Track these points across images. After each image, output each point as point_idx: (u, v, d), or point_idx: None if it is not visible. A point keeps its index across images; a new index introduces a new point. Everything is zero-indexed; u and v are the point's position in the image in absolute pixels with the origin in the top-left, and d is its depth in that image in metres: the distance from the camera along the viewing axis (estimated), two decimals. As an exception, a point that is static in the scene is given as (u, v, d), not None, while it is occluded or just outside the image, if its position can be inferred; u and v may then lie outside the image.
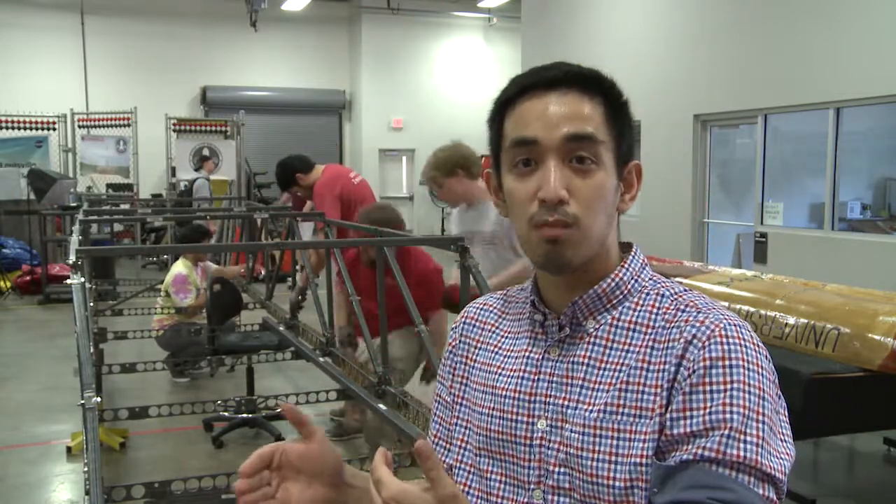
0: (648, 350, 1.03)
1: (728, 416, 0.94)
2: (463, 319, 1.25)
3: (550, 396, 1.07)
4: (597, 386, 1.04)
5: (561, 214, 1.02)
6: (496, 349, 1.17)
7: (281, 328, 5.08)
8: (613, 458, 1.00)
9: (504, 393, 1.11)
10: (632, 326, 1.06)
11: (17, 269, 11.02)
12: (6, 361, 7.34)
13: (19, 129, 13.68)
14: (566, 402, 1.06)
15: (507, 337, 1.17)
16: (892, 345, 3.46)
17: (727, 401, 0.94)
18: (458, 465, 1.17)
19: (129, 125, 14.17)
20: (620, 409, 1.01)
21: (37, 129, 13.85)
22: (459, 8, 17.73)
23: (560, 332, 1.10)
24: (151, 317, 6.79)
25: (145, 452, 5.03)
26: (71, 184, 11.87)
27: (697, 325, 1.01)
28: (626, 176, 1.09)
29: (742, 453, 0.92)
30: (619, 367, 1.04)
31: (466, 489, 1.15)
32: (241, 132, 13.80)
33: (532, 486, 1.07)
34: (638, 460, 0.99)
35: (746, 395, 0.95)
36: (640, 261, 1.12)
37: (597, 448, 1.01)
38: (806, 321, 3.83)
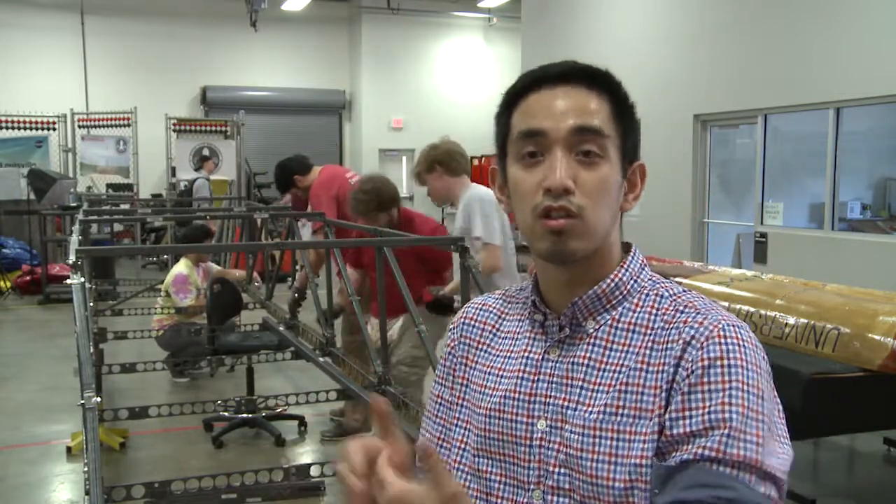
0: (647, 351, 1.03)
1: (728, 415, 0.94)
2: (462, 320, 1.24)
3: (550, 397, 1.07)
4: (596, 387, 1.04)
5: (566, 202, 1.03)
6: (497, 352, 1.17)
7: (281, 328, 5.09)
8: (613, 459, 1.00)
9: (504, 393, 1.11)
10: (631, 327, 1.06)
11: (17, 269, 11.02)
12: (6, 361, 7.34)
13: (19, 129, 13.69)
14: (566, 403, 1.06)
15: (506, 338, 1.17)
16: (892, 345, 3.46)
17: (726, 400, 0.95)
18: (457, 465, 1.17)
19: (129, 125, 14.18)
20: (620, 410, 1.01)
21: (37, 129, 13.86)
22: (459, 8, 17.73)
23: (560, 333, 1.10)
24: (151, 317, 6.79)
25: (145, 452, 5.04)
26: (71, 184, 11.87)
27: (696, 325, 1.01)
28: (630, 176, 1.10)
29: (742, 452, 0.92)
30: (618, 368, 1.04)
31: (465, 489, 1.14)
32: (241, 132, 13.80)
33: (532, 487, 1.07)
34: (638, 461, 0.99)
35: (745, 395, 0.95)
36: (640, 261, 1.13)
37: (596, 449, 1.02)
38: (806, 321, 3.83)
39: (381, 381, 3.63)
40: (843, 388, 3.56)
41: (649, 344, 1.04)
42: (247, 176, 13.99)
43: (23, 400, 6.13)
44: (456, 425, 1.19)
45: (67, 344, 6.70)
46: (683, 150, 9.64)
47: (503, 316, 1.20)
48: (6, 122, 13.50)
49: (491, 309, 1.22)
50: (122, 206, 9.44)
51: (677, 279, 4.35)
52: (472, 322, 1.23)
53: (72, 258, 3.59)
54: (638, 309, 1.08)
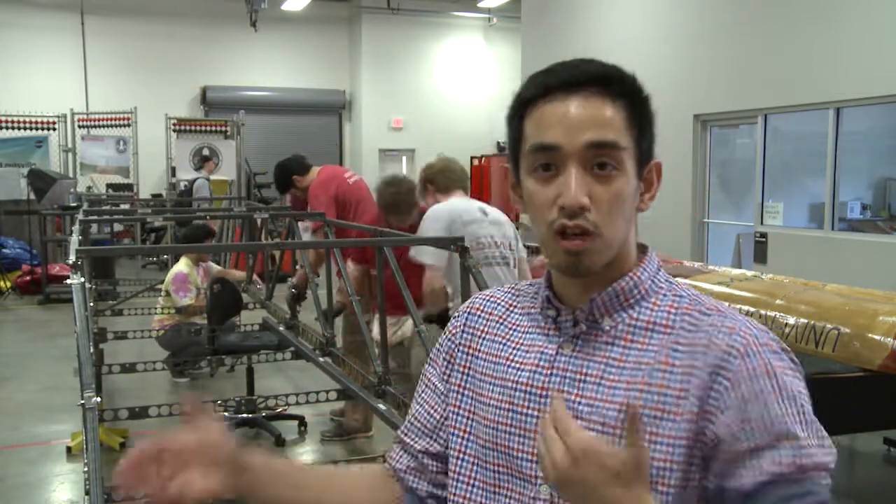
0: (671, 352, 1.03)
1: (791, 427, 0.96)
2: (468, 309, 1.24)
3: (563, 392, 1.07)
4: (615, 384, 1.04)
5: (583, 221, 1.01)
6: (505, 340, 1.16)
7: (281, 328, 5.08)
8: None
9: (515, 386, 1.11)
10: (650, 326, 1.06)
11: (17, 269, 11.02)
12: (6, 361, 7.34)
13: (19, 129, 13.69)
14: (579, 399, 1.05)
15: (515, 329, 1.16)
16: (892, 345, 3.45)
17: (785, 411, 0.96)
18: (461, 455, 1.16)
19: (129, 125, 14.17)
20: (642, 410, 1.01)
21: (37, 129, 13.86)
22: (459, 8, 17.73)
23: (574, 329, 1.09)
24: (151, 317, 6.79)
25: (145, 452, 5.03)
26: (71, 184, 11.87)
27: (727, 331, 1.01)
28: (647, 175, 1.09)
29: (813, 460, 0.96)
30: (637, 366, 1.04)
31: (471, 480, 1.14)
32: (241, 132, 13.80)
33: (539, 481, 1.06)
34: (662, 464, 0.99)
35: (795, 402, 0.97)
36: (656, 262, 1.13)
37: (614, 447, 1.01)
38: (806, 321, 3.83)
39: (381, 381, 3.63)
40: (843, 388, 3.56)
41: (672, 344, 1.03)
42: (247, 176, 13.98)
43: (23, 400, 6.13)
44: (457, 413, 1.18)
45: (67, 344, 6.69)
46: (683, 150, 9.63)
47: (511, 308, 1.20)
48: (6, 122, 13.50)
49: (499, 301, 1.22)
50: (122, 206, 9.44)
51: (678, 280, 4.34)
52: (479, 312, 1.22)
53: (72, 258, 3.59)
54: (656, 308, 1.07)
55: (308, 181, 5.43)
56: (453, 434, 1.18)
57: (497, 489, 1.11)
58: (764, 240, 8.55)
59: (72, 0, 15.34)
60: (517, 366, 1.12)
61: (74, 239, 4.78)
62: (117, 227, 12.91)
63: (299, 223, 5.44)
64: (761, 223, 8.70)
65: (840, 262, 7.46)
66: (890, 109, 7.84)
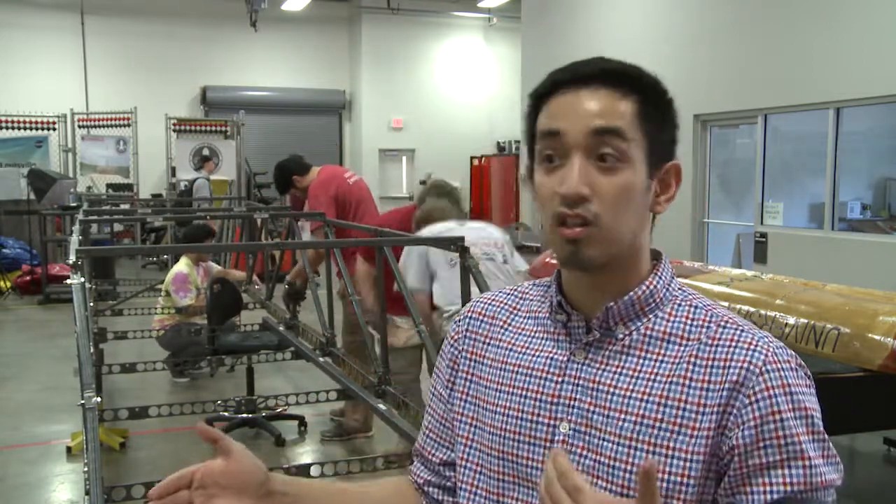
0: (689, 365, 1.01)
1: (804, 446, 0.97)
2: (469, 314, 1.21)
3: (575, 400, 1.05)
4: (629, 394, 1.02)
5: (582, 210, 1.00)
6: (510, 346, 1.14)
7: (281, 328, 5.09)
8: None
9: (524, 393, 1.09)
10: (665, 337, 1.04)
11: (17, 269, 11.02)
12: (6, 361, 7.34)
13: (19, 129, 13.69)
14: (592, 408, 1.04)
15: (521, 334, 1.14)
16: (892, 345, 3.45)
17: (798, 430, 0.97)
18: (464, 463, 1.15)
19: (129, 125, 14.17)
20: (658, 423, 1.00)
21: (37, 129, 13.86)
22: (459, 8, 17.73)
23: (587, 336, 1.07)
24: (151, 317, 6.79)
25: (145, 452, 5.03)
26: (71, 184, 11.87)
27: (746, 346, 1.00)
28: (663, 176, 1.06)
29: (823, 478, 0.97)
30: (652, 377, 1.02)
31: (473, 489, 1.13)
32: (241, 132, 13.80)
33: None
34: (678, 479, 0.98)
35: (810, 421, 0.98)
36: (671, 270, 1.11)
37: (630, 460, 1.00)
38: (806, 321, 3.82)
39: (381, 381, 3.63)
40: (843, 388, 3.55)
41: (690, 358, 1.02)
42: (247, 176, 13.98)
43: (23, 400, 6.13)
44: (461, 421, 1.16)
45: (67, 344, 6.69)
46: (683, 150, 9.50)
47: (514, 311, 1.17)
48: (6, 122, 13.50)
49: (501, 304, 1.19)
50: (122, 206, 9.44)
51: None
52: (480, 317, 1.20)
53: (72, 258, 3.59)
54: (672, 318, 1.06)
55: (308, 181, 5.42)
56: (457, 442, 1.17)
57: (501, 498, 1.10)
58: (764, 240, 8.55)
59: (72, 0, 15.34)
60: (526, 372, 1.10)
61: (74, 239, 4.77)
62: (117, 227, 12.91)
63: (299, 223, 5.44)
64: (761, 223, 8.70)
65: (840, 262, 7.46)
66: (890, 109, 7.84)
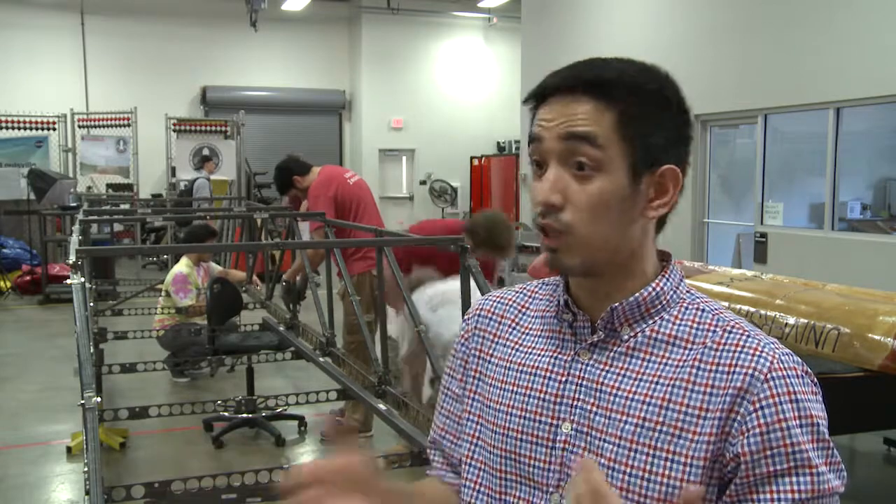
0: (693, 370, 1.01)
1: (810, 454, 0.96)
2: (478, 312, 1.22)
3: (578, 400, 1.05)
4: (631, 396, 1.02)
5: (553, 220, 1.01)
6: (516, 345, 1.14)
7: (281, 328, 5.09)
8: (647, 476, 0.99)
9: (528, 392, 1.09)
10: (671, 340, 1.04)
11: (17, 269, 11.02)
12: (6, 361, 7.35)
13: (19, 129, 13.68)
14: (594, 409, 1.04)
15: (527, 334, 1.14)
16: (892, 345, 3.46)
17: (805, 438, 0.96)
18: (468, 461, 1.15)
19: (129, 125, 14.17)
20: (659, 427, 1.00)
21: (37, 129, 13.85)
22: (459, 8, 17.73)
23: (592, 336, 1.07)
24: (151, 317, 6.79)
25: (145, 452, 5.04)
26: (71, 184, 11.88)
27: (751, 352, 1.00)
28: (659, 179, 1.04)
29: (828, 486, 0.97)
30: (656, 380, 1.02)
31: (477, 486, 1.13)
32: (241, 132, 13.80)
33: (551, 490, 1.05)
34: (677, 483, 0.98)
35: (816, 429, 0.98)
36: (679, 272, 1.10)
37: (630, 462, 1.00)
38: (806, 321, 3.83)
39: (381, 381, 3.63)
40: (843, 388, 3.56)
41: (694, 362, 1.01)
42: (247, 176, 13.99)
43: (23, 400, 6.13)
44: (467, 419, 1.17)
45: (67, 344, 6.70)
46: (683, 150, 9.63)
47: (523, 310, 1.17)
48: (6, 122, 13.49)
49: (510, 302, 1.19)
50: (122, 206, 9.44)
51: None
52: (489, 314, 1.20)
53: (72, 258, 3.59)
54: (678, 322, 1.05)
55: (309, 181, 5.42)
56: (463, 440, 1.17)
57: (503, 496, 1.10)
58: (764, 240, 8.56)
59: (72, 0, 15.34)
60: (530, 371, 1.10)
61: (74, 239, 4.77)
62: (117, 227, 12.90)
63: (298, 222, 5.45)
64: (761, 223, 8.70)
65: (840, 262, 7.46)
66: (890, 109, 7.84)
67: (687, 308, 1.07)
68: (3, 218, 11.99)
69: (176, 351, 6.40)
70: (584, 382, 1.06)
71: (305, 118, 17.85)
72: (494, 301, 1.21)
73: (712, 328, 1.04)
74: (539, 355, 1.11)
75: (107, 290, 8.79)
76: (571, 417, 1.05)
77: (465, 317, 1.24)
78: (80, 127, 14.19)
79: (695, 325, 1.05)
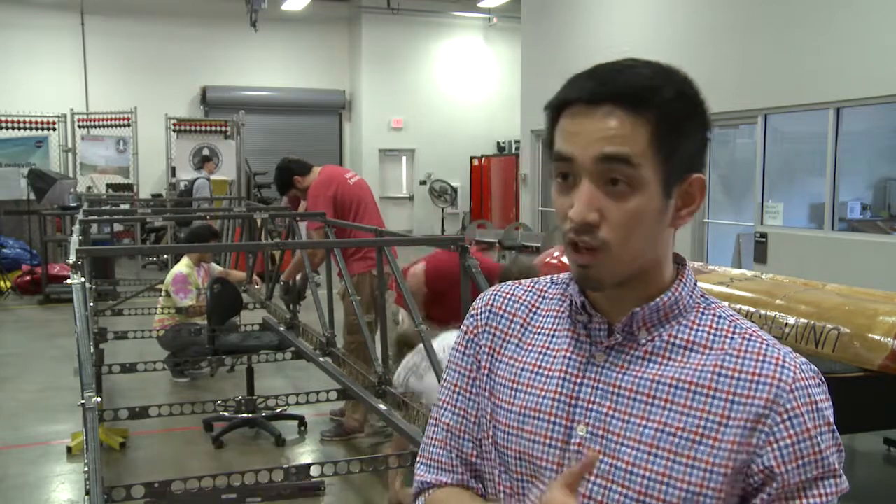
0: (714, 376, 1.02)
1: (832, 458, 1.00)
2: (489, 308, 1.19)
3: (594, 403, 1.05)
4: (650, 400, 1.02)
5: (589, 237, 1.00)
6: (529, 346, 1.13)
7: (281, 328, 5.09)
8: (667, 480, 0.99)
9: (542, 393, 1.08)
10: (689, 345, 1.04)
11: (17, 269, 11.02)
12: (6, 361, 7.34)
13: (19, 129, 13.68)
14: (611, 412, 1.04)
15: (539, 333, 1.13)
16: (892, 345, 3.46)
17: (828, 444, 1.00)
18: (488, 460, 1.14)
19: (129, 125, 14.17)
20: (679, 432, 1.00)
21: (37, 129, 13.85)
22: (459, 8, 17.74)
23: (610, 339, 1.06)
24: (152, 317, 6.79)
25: (145, 452, 5.04)
26: (71, 184, 11.87)
27: (773, 361, 1.01)
28: (687, 189, 1.03)
29: (846, 485, 1.02)
30: (675, 385, 1.02)
31: (500, 487, 1.12)
32: (241, 132, 13.80)
33: None
34: (697, 489, 0.98)
35: (833, 434, 1.01)
36: (693, 276, 1.10)
37: (649, 467, 1.00)
38: (806, 321, 3.83)
39: (381, 381, 3.63)
40: (843, 388, 3.55)
41: (714, 368, 1.02)
42: (247, 176, 13.98)
43: (23, 400, 6.13)
44: (482, 417, 1.15)
45: (67, 344, 6.70)
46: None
47: (534, 309, 1.16)
48: (6, 122, 13.49)
49: (521, 300, 1.18)
50: (122, 206, 9.44)
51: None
52: (500, 311, 1.18)
53: (72, 258, 3.59)
54: (695, 327, 1.05)
55: (309, 181, 5.42)
56: (474, 438, 1.16)
57: (519, 496, 1.09)
58: (764, 240, 8.56)
59: (72, 0, 15.34)
60: (544, 372, 1.09)
61: (75, 239, 4.78)
62: (117, 227, 12.90)
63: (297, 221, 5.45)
64: (761, 223, 8.70)
65: (840, 262, 7.47)
66: (890, 109, 7.85)
67: (703, 313, 1.07)
68: (3, 218, 11.99)
69: (176, 351, 6.40)
70: (601, 385, 1.05)
71: (305, 118, 17.85)
72: (505, 298, 1.19)
73: (730, 334, 1.04)
74: (552, 356, 1.10)
75: (107, 290, 8.79)
76: (587, 420, 1.05)
77: (471, 313, 1.21)
78: (80, 127, 14.19)
79: (712, 331, 1.05)
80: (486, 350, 1.17)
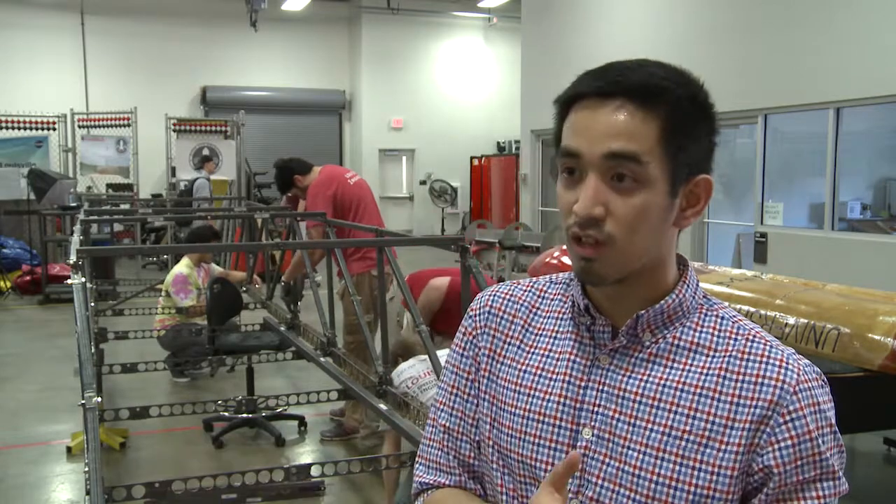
0: (719, 379, 1.02)
1: (832, 460, 1.00)
2: (488, 308, 1.18)
3: (599, 406, 1.04)
4: (656, 403, 1.02)
5: (594, 231, 0.99)
6: (530, 348, 1.12)
7: (282, 328, 5.09)
8: (674, 484, 0.99)
9: (546, 396, 1.08)
10: (693, 347, 1.04)
11: (17, 269, 11.02)
12: (6, 361, 7.35)
13: (19, 129, 13.68)
14: (617, 415, 1.03)
15: (541, 335, 1.13)
16: (892, 345, 3.45)
17: (829, 445, 1.00)
18: (490, 463, 1.14)
19: (129, 125, 14.17)
20: (686, 435, 1.00)
21: (37, 129, 13.85)
22: (459, 8, 17.74)
23: (614, 342, 1.06)
24: (152, 317, 6.79)
25: (145, 452, 5.04)
26: (71, 184, 11.87)
27: (777, 363, 1.02)
28: (693, 189, 1.03)
29: (845, 486, 1.02)
30: (680, 387, 1.02)
31: (504, 490, 1.11)
32: (241, 132, 13.80)
33: (570, 497, 1.04)
34: (705, 492, 0.99)
35: (835, 435, 1.01)
36: (696, 278, 1.10)
37: (657, 471, 1.00)
38: (806, 321, 3.83)
39: (382, 381, 3.63)
40: (843, 388, 3.55)
41: (719, 371, 1.02)
42: (247, 176, 13.98)
43: (23, 400, 6.13)
44: (482, 420, 1.15)
45: (67, 344, 6.70)
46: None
47: (534, 310, 1.15)
48: (6, 122, 13.49)
49: (521, 301, 1.17)
50: (123, 206, 9.44)
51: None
52: (500, 313, 1.17)
53: (72, 258, 3.60)
54: (699, 329, 1.05)
55: (309, 181, 5.43)
56: (473, 441, 1.16)
57: (522, 499, 1.09)
58: (764, 240, 8.56)
59: (72, 0, 15.35)
60: (547, 375, 1.09)
61: (75, 239, 4.78)
62: (117, 227, 12.91)
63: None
64: (761, 223, 8.70)
65: (840, 262, 7.47)
66: (890, 109, 7.85)
67: (706, 315, 1.07)
68: (3, 218, 11.99)
69: (176, 351, 6.40)
70: (606, 388, 1.05)
71: (305, 118, 17.86)
72: (504, 299, 1.18)
73: (734, 336, 1.04)
74: (556, 359, 1.09)
75: (107, 290, 8.79)
76: (592, 423, 1.04)
77: (471, 311, 1.20)
78: (80, 127, 14.19)
79: (716, 333, 1.05)
80: (486, 352, 1.16)
